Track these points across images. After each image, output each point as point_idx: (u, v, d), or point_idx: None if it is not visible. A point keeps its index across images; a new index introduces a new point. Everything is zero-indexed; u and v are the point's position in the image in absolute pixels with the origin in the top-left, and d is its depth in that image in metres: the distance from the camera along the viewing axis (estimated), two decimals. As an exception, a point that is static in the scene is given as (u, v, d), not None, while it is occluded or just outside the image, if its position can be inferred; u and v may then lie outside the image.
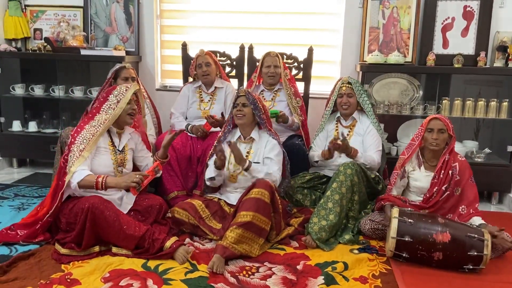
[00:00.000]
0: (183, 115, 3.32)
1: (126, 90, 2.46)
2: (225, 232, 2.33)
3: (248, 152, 2.68)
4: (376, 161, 2.84)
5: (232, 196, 2.68)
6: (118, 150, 2.50)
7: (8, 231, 2.46)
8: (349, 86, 2.93)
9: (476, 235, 2.19)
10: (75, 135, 2.38)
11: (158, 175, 2.57)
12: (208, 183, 2.72)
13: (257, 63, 3.38)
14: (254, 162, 2.62)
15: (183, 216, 2.51)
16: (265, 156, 2.64)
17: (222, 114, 3.07)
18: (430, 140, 2.52)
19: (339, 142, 2.68)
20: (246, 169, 2.53)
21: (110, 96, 2.46)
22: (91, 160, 2.37)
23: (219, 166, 2.59)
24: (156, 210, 2.54)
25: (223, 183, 2.77)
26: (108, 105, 2.44)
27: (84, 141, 2.34)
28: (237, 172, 2.66)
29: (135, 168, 2.69)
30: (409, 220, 2.27)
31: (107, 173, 2.41)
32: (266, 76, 3.26)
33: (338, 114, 3.06)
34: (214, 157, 2.62)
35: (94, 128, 2.39)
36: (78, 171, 2.28)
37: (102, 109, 2.45)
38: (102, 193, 2.38)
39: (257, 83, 3.37)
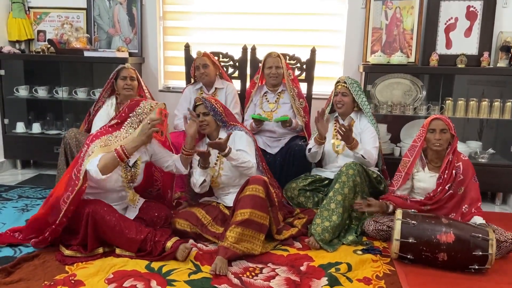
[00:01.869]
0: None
1: (150, 109, 2.33)
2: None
3: (219, 153, 2.60)
4: (374, 156, 2.83)
5: (227, 199, 2.67)
6: (129, 166, 2.40)
7: (12, 233, 2.46)
8: (344, 85, 2.92)
9: (480, 235, 2.18)
10: (89, 143, 2.29)
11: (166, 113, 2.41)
12: (199, 189, 2.63)
13: (259, 64, 3.38)
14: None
15: (185, 227, 2.49)
16: (236, 149, 2.56)
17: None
18: (433, 140, 2.51)
19: (345, 126, 2.66)
20: (226, 155, 2.44)
21: (132, 113, 2.35)
22: None
23: (205, 163, 2.53)
24: (162, 221, 2.51)
25: (214, 190, 2.76)
26: (130, 124, 2.34)
27: (95, 147, 2.24)
28: (215, 175, 2.63)
29: (150, 177, 2.67)
30: (413, 222, 2.27)
31: (115, 189, 2.37)
32: (268, 77, 3.25)
33: (337, 114, 3.05)
34: (196, 162, 2.59)
35: (109, 141, 2.28)
36: (90, 162, 2.16)
37: (123, 127, 2.34)
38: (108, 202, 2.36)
39: (259, 84, 3.36)
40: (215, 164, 2.63)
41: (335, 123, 3.04)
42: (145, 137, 2.23)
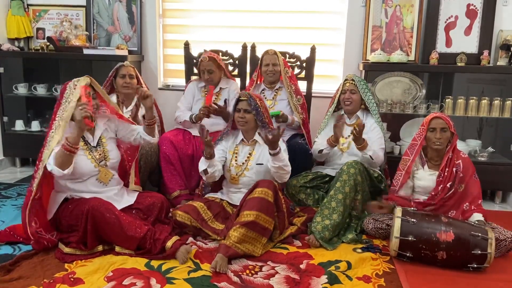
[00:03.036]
0: (188, 109, 3.31)
1: (74, 88, 2.29)
2: (228, 231, 2.33)
3: (250, 154, 2.65)
4: (380, 157, 2.84)
5: (235, 197, 2.66)
6: (93, 146, 2.41)
7: (12, 232, 2.45)
8: (353, 82, 2.93)
9: (480, 234, 2.18)
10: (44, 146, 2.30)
11: (92, 97, 2.31)
12: (204, 177, 2.60)
13: (259, 62, 3.38)
14: (257, 164, 2.61)
15: (185, 219, 2.49)
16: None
17: (225, 101, 3.07)
18: (434, 139, 2.51)
19: (359, 125, 2.65)
20: (276, 154, 2.42)
21: (63, 99, 2.29)
22: None
23: (208, 154, 2.48)
24: (158, 208, 2.52)
25: (225, 184, 2.76)
26: (62, 109, 2.27)
27: (49, 143, 2.26)
28: (239, 174, 2.64)
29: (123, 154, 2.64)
30: (412, 220, 2.27)
31: (90, 172, 2.37)
32: (265, 74, 3.25)
33: (343, 112, 3.05)
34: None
35: (52, 134, 2.28)
36: (48, 162, 2.20)
37: (57, 116, 2.29)
38: (97, 192, 2.37)
39: (258, 82, 3.36)
40: (243, 163, 2.63)
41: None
42: (79, 124, 2.17)
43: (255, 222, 2.30)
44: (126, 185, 2.67)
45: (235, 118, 2.62)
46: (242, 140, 2.69)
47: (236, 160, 2.64)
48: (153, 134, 2.61)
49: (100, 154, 2.42)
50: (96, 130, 2.45)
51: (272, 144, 2.40)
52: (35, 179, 2.27)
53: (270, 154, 2.45)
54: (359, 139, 2.71)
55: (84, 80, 2.33)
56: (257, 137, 2.65)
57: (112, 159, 2.47)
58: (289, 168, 2.54)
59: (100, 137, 2.46)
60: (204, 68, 3.17)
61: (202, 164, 2.56)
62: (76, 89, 2.29)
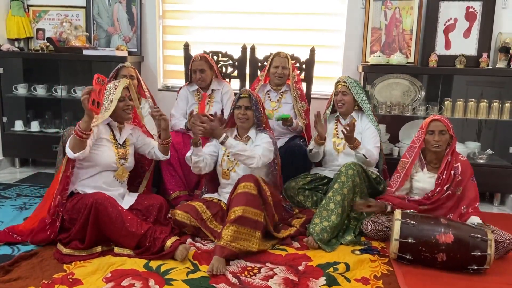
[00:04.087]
0: (183, 116, 3.31)
1: (115, 88, 2.45)
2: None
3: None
4: (375, 156, 2.83)
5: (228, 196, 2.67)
6: (119, 143, 2.52)
7: (10, 233, 2.45)
8: (344, 84, 2.93)
9: (479, 235, 2.19)
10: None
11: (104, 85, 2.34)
12: (189, 163, 2.62)
13: (266, 62, 3.38)
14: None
15: (184, 219, 2.50)
16: (255, 145, 2.59)
17: (222, 111, 3.07)
18: (432, 142, 2.52)
19: (349, 125, 2.66)
20: (222, 143, 2.47)
21: (102, 99, 2.38)
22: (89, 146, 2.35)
23: (195, 141, 2.53)
24: (157, 209, 2.53)
25: (220, 185, 2.76)
26: (104, 108, 2.41)
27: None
28: (230, 168, 2.65)
29: (137, 163, 2.70)
30: (412, 222, 2.27)
31: (110, 165, 2.45)
32: (273, 76, 3.26)
33: (338, 114, 3.06)
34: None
35: None
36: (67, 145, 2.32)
37: (100, 112, 2.40)
38: (104, 189, 2.40)
39: (263, 83, 3.36)
40: (234, 159, 2.64)
41: (335, 123, 3.04)
42: (85, 109, 2.21)
43: (244, 217, 2.30)
44: (130, 189, 2.71)
45: (236, 115, 2.63)
46: (236, 136, 2.70)
47: (228, 156, 2.64)
48: (167, 153, 2.71)
49: (122, 153, 2.52)
50: (123, 131, 2.57)
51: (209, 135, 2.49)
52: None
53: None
54: (350, 138, 2.71)
55: (123, 83, 2.48)
56: (250, 133, 2.66)
57: (129, 163, 2.56)
58: (249, 153, 2.48)
59: (125, 139, 2.57)
60: (196, 67, 3.18)
61: (189, 151, 2.61)
62: (117, 89, 2.43)
